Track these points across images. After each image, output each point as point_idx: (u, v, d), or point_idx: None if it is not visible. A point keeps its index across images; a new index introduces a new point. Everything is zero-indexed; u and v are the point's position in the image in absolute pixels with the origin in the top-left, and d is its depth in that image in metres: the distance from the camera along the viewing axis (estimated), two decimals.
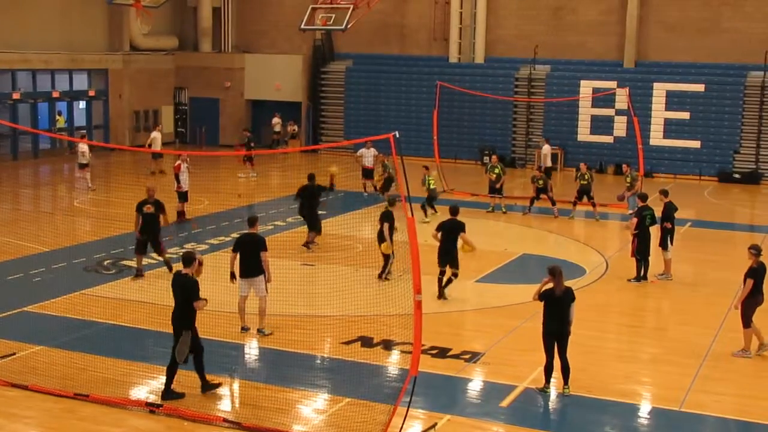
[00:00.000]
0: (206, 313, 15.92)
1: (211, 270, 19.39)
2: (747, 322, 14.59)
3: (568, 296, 12.79)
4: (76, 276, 18.54)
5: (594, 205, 26.51)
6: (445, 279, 17.69)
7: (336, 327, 15.44)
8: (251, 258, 14.96)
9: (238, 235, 16.41)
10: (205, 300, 12.46)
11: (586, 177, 26.51)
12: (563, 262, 20.98)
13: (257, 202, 27.75)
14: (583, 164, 27.16)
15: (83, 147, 29.42)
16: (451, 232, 17.53)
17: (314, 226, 21.94)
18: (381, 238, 18.64)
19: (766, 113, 35.83)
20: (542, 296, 12.84)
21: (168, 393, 12.36)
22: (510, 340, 15.43)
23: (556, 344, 12.75)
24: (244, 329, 15.29)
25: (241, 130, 37.62)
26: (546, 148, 33.35)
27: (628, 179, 26.22)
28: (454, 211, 17.99)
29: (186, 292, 12.38)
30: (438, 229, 17.61)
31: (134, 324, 15.67)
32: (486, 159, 28.51)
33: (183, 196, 24.73)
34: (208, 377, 12.70)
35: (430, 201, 26.02)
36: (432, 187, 26.22)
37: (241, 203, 27.37)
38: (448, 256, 17.51)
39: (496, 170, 27.50)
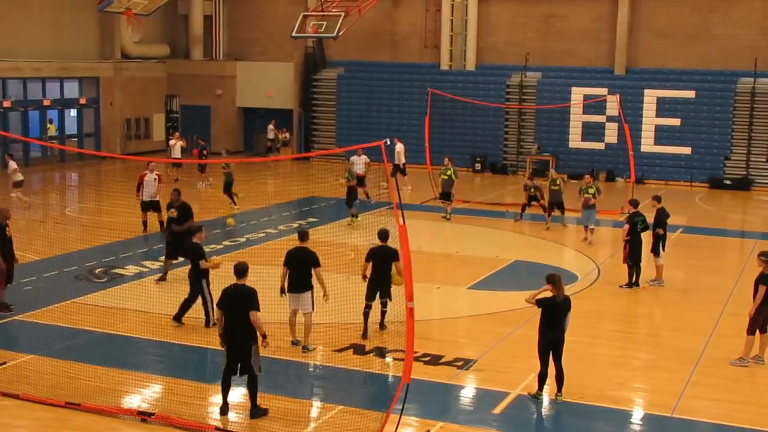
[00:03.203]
0: (198, 322, 15.95)
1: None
2: (753, 329, 14.56)
3: (566, 304, 12.77)
4: (68, 284, 18.47)
5: (563, 210, 26.17)
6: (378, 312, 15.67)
7: (328, 334, 15.41)
8: (302, 273, 14.68)
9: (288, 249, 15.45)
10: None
11: (558, 182, 25.94)
12: (555, 268, 20.98)
13: (249, 209, 27.71)
14: (552, 170, 26.76)
15: (12, 164, 28.49)
16: (383, 260, 15.28)
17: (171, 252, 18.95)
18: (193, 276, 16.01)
19: (757, 119, 35.97)
20: (542, 303, 12.72)
21: (255, 410, 12.03)
22: (502, 346, 15.43)
23: (551, 352, 12.74)
24: (295, 343, 14.97)
25: (198, 138, 37.51)
26: (399, 146, 32.89)
27: (591, 190, 23.96)
28: (383, 236, 15.55)
29: (246, 302, 11.93)
30: (368, 258, 15.41)
31: (126, 332, 15.62)
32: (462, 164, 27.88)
33: (146, 206, 23.57)
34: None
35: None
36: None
37: (234, 211, 27.33)
38: (380, 286, 15.39)
39: (448, 172, 27.23)
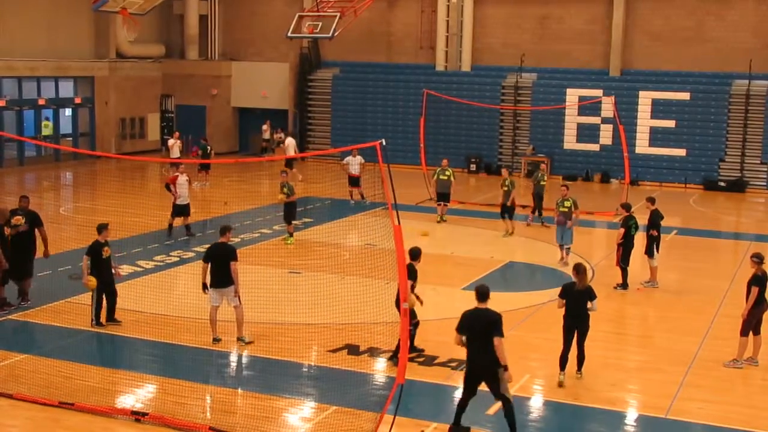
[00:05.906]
0: (191, 322, 15.93)
1: (190, 278, 19.35)
2: (746, 330, 14.60)
3: (587, 294, 13.43)
4: (62, 284, 18.43)
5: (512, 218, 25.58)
6: None
7: (322, 335, 15.41)
8: (222, 268, 14.80)
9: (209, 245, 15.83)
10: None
11: (506, 183, 24.97)
12: (550, 269, 21.08)
13: (244, 210, 27.70)
14: (504, 169, 26.60)
15: None
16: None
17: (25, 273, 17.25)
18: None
19: (751, 121, 36.03)
20: (562, 288, 13.56)
21: None
22: None
23: (575, 335, 13.46)
24: (216, 340, 15.07)
25: (201, 138, 37.52)
26: (290, 140, 34.52)
27: (567, 203, 21.44)
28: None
29: (489, 326, 11.42)
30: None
31: (120, 332, 15.59)
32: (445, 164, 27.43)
33: (179, 210, 23.60)
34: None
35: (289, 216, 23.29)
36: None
37: (228, 211, 27.32)
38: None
39: (447, 173, 26.89)
